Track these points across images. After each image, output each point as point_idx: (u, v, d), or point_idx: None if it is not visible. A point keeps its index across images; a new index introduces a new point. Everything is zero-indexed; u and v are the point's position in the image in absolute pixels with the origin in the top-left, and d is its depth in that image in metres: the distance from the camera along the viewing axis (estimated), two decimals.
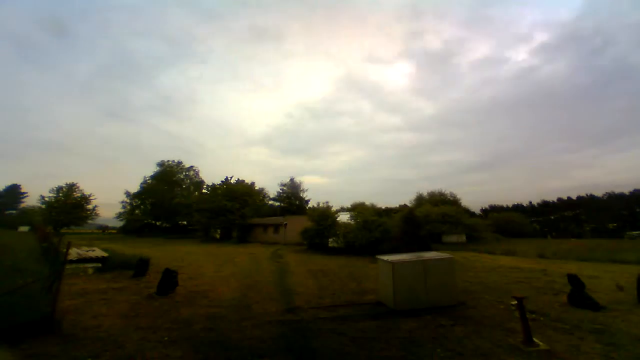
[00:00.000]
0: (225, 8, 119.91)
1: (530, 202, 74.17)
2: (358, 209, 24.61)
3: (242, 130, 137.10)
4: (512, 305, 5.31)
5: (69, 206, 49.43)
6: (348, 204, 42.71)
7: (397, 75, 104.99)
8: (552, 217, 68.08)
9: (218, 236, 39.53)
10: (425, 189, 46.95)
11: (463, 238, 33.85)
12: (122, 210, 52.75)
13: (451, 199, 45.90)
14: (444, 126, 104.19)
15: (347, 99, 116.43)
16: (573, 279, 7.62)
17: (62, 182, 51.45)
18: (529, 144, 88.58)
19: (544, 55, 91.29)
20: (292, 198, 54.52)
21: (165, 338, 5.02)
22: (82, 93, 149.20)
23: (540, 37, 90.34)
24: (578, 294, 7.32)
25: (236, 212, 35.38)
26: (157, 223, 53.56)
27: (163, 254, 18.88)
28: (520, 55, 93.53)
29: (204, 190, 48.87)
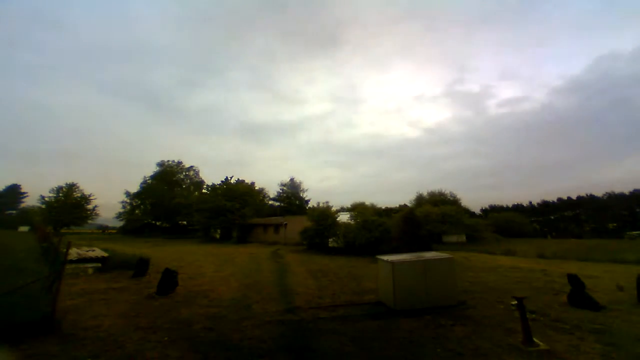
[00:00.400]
0: (320, 73, 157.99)
1: (530, 202, 74.18)
2: (358, 209, 24.61)
3: (300, 146, 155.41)
4: (512, 305, 5.32)
5: (69, 206, 49.45)
6: (348, 204, 42.76)
7: (438, 109, 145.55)
8: (552, 217, 68.10)
9: (218, 236, 39.53)
10: (442, 188, 47.26)
11: (463, 238, 33.87)
12: (122, 210, 52.84)
13: (451, 199, 45.88)
14: (468, 141, 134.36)
15: (393, 126, 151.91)
16: (573, 279, 7.62)
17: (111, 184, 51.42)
18: (536, 153, 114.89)
19: (557, 96, 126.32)
20: (292, 198, 54.56)
21: (165, 338, 5.02)
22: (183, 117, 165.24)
23: (556, 83, 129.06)
24: (578, 294, 7.32)
25: (236, 212, 35.38)
26: (157, 223, 53.61)
27: (163, 254, 18.88)
28: (538, 95, 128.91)
29: (204, 190, 48.88)
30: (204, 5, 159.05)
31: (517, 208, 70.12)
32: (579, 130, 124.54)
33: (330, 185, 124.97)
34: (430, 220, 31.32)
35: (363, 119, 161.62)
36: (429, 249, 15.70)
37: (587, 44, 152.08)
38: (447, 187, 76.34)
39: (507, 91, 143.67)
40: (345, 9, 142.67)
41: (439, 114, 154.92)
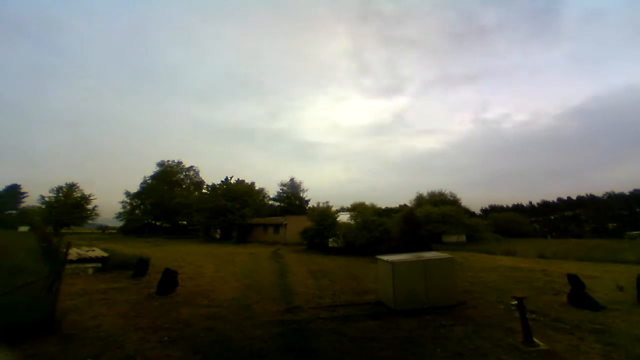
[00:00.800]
0: (378, 110, 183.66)
1: (530, 202, 74.18)
2: (358, 209, 24.60)
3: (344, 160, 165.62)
4: (512, 305, 5.31)
5: (69, 206, 49.43)
6: (348, 204, 42.75)
7: (464, 132, 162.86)
8: (552, 217, 68.11)
9: (218, 236, 39.55)
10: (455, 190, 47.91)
11: (463, 238, 33.86)
12: (122, 210, 52.79)
13: (451, 199, 45.86)
14: (485, 152, 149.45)
15: (424, 142, 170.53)
16: (573, 279, 7.62)
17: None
18: (541, 161, 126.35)
19: (562, 121, 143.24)
20: (292, 198, 54.57)
21: (165, 338, 5.02)
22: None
23: (559, 111, 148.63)
24: (578, 294, 7.32)
25: (236, 212, 35.37)
26: (157, 223, 53.55)
27: (163, 254, 18.88)
28: (545, 121, 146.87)
29: (204, 190, 48.86)
30: (299, 64, 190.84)
31: (517, 208, 70.10)
32: (579, 143, 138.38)
33: (359, 188, 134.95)
34: (430, 220, 31.32)
35: (401, 138, 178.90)
36: (428, 249, 15.69)
37: (587, 82, 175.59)
38: (458, 189, 79.05)
39: (519, 117, 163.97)
40: (412, 69, 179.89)
41: (463, 133, 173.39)
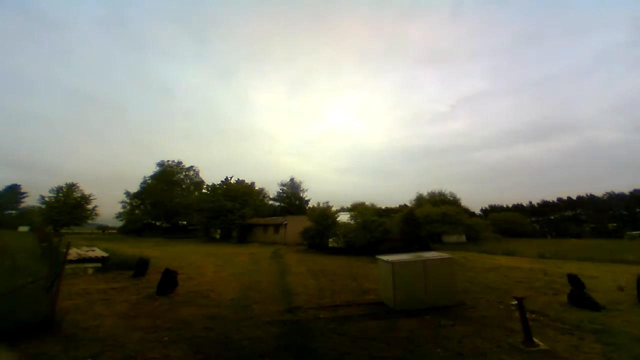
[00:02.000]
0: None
1: (530, 202, 74.15)
2: (358, 209, 24.62)
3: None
4: (512, 305, 5.33)
5: (69, 206, 49.45)
6: (348, 204, 42.76)
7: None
8: (552, 217, 68.08)
9: (218, 236, 39.54)
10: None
11: (463, 238, 33.84)
12: (122, 211, 52.79)
13: (451, 199, 45.96)
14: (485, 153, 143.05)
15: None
16: (573, 279, 7.64)
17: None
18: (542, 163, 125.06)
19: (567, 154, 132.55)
20: (292, 198, 54.57)
21: (165, 338, 5.02)
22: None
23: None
24: (578, 294, 7.32)
25: (236, 212, 35.37)
26: (157, 223, 53.54)
27: (163, 254, 18.87)
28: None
29: (204, 190, 48.89)
30: None
31: (517, 208, 70.10)
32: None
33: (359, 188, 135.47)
34: (430, 220, 31.35)
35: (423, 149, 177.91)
36: (429, 249, 15.71)
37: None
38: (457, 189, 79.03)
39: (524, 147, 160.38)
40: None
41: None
